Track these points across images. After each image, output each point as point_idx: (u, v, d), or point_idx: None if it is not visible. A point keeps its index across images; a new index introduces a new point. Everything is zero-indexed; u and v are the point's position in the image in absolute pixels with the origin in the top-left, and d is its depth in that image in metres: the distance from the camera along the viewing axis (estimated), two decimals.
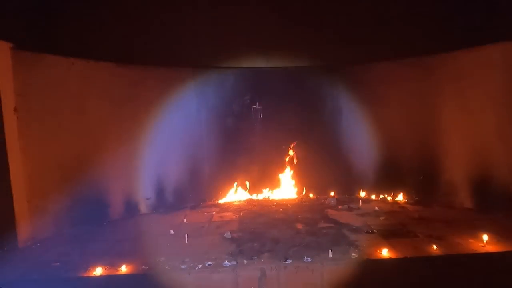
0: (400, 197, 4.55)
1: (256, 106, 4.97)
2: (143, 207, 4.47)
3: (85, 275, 2.66)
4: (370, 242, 3.07)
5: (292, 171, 5.07)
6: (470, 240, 2.98)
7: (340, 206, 4.28)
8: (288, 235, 3.31)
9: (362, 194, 4.79)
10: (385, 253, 2.80)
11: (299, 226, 3.58)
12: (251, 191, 5.06)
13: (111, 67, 4.10)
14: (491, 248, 2.82)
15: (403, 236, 3.20)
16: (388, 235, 3.21)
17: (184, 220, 4.00)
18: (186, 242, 3.26)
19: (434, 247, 2.85)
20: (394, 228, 3.43)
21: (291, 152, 5.02)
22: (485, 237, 2.91)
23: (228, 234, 3.33)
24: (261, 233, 3.39)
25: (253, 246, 3.05)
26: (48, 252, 3.21)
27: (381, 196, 4.67)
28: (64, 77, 3.73)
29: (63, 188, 3.71)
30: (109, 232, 3.70)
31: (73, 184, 3.79)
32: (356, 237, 3.20)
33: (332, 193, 4.88)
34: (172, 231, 3.58)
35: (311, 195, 4.96)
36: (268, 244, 3.08)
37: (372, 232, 3.32)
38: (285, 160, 5.08)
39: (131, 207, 4.35)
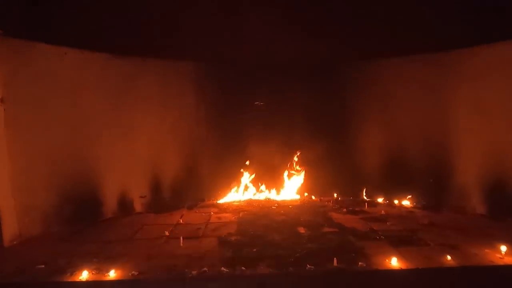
0: (407, 201, 4.33)
1: (259, 103, 4.76)
2: (138, 206, 4.28)
3: (70, 279, 2.47)
4: (377, 250, 2.85)
5: (294, 171, 4.86)
6: (486, 251, 2.76)
7: (344, 209, 4.07)
8: (290, 240, 3.10)
9: (368, 196, 4.57)
10: (394, 262, 2.59)
11: (302, 230, 3.38)
12: (251, 191, 4.86)
13: (107, 58, 3.90)
14: (511, 260, 2.60)
15: (412, 244, 2.98)
16: (397, 243, 2.99)
17: (180, 221, 3.80)
18: (181, 245, 3.06)
19: (448, 257, 2.63)
20: (402, 234, 3.21)
21: (295, 158, 4.81)
22: (503, 248, 2.69)
23: (225, 238, 3.13)
24: (261, 237, 3.18)
25: (252, 252, 2.84)
26: (34, 252, 3.02)
27: (387, 198, 4.46)
28: (56, 67, 3.53)
29: (53, 184, 3.53)
30: (101, 232, 3.51)
31: (64, 180, 3.61)
32: (362, 244, 2.99)
33: (335, 195, 4.67)
34: (167, 233, 3.38)
35: (313, 197, 4.76)
36: (268, 250, 2.87)
37: (380, 239, 3.11)
38: (288, 160, 4.87)
39: (125, 206, 4.16)
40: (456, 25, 3.72)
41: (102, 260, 2.77)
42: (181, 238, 3.11)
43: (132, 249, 3.02)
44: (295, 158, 4.83)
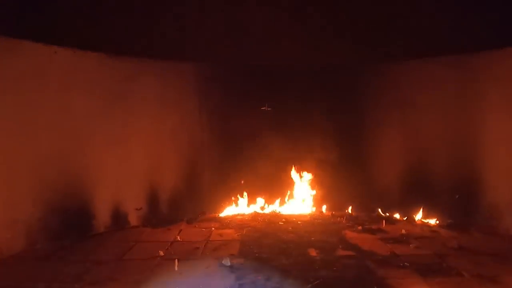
0: (430, 219, 3.90)
1: (266, 108, 4.40)
2: (134, 219, 3.93)
3: None
4: (402, 280, 2.45)
5: (304, 183, 4.48)
6: None
7: (359, 227, 3.67)
8: (300, 265, 2.72)
9: (384, 211, 4.16)
10: None
11: (313, 252, 2.98)
12: (257, 203, 4.49)
13: (101, 58, 3.59)
14: None
15: (443, 274, 2.57)
16: (424, 271, 2.58)
17: (178, 238, 3.44)
18: (176, 269, 2.69)
19: None
20: (430, 261, 2.80)
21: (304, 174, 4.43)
22: None
23: (226, 261, 2.75)
24: (266, 261, 2.80)
25: (257, 280, 2.47)
26: (12, 273, 2.70)
27: (407, 215, 4.03)
28: (44, 67, 3.23)
29: (38, 196, 3.21)
30: (89, 250, 3.16)
31: (51, 192, 3.29)
32: (384, 272, 2.59)
33: (349, 209, 4.26)
34: (161, 252, 3.02)
35: (324, 211, 4.36)
36: (275, 277, 2.49)
37: (404, 266, 2.70)
38: (297, 170, 4.49)
39: (119, 219, 3.82)
40: (485, 24, 3.34)
41: (85, 287, 2.43)
42: (176, 261, 2.74)
43: (121, 273, 2.67)
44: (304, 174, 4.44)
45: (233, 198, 4.41)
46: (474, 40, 3.43)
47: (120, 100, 3.73)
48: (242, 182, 4.44)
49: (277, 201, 4.49)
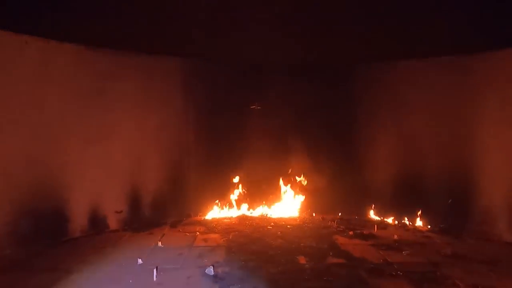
0: (422, 223, 3.80)
1: (255, 107, 4.23)
2: (113, 222, 3.70)
3: None
4: None
5: (294, 185, 4.32)
6: None
7: (351, 232, 3.53)
8: (288, 274, 2.56)
9: (376, 215, 4.04)
10: None
11: (302, 260, 2.83)
12: (244, 206, 4.31)
13: (79, 51, 3.35)
14: None
15: (437, 283, 2.46)
16: (418, 281, 2.46)
17: (159, 243, 3.23)
18: (155, 279, 2.49)
19: None
20: (423, 269, 2.67)
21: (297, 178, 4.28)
22: None
23: (210, 270, 2.57)
24: (253, 270, 2.63)
25: None
26: None
27: (399, 220, 3.92)
28: (13, 59, 2.97)
29: (7, 198, 2.96)
30: (62, 257, 2.93)
31: (21, 193, 3.04)
32: (376, 282, 2.45)
33: (340, 214, 4.13)
34: (140, 260, 2.81)
35: (314, 214, 4.21)
36: None
37: (397, 275, 2.57)
38: (286, 172, 4.34)
39: (97, 222, 3.58)
40: (480, 26, 3.24)
41: None
42: (155, 271, 2.54)
43: (94, 284, 2.46)
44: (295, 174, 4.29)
45: (217, 201, 4.22)
46: (469, 42, 3.33)
47: (99, 95, 3.49)
48: (230, 183, 4.28)
49: (266, 204, 4.33)
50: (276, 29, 3.60)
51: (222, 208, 4.23)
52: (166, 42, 3.63)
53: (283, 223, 3.87)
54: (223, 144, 4.19)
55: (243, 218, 4.05)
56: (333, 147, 4.13)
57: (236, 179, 4.30)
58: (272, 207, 4.32)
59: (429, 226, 3.73)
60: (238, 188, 4.31)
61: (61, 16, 3.07)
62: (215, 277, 2.52)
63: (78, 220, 3.46)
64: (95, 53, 3.43)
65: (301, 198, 4.31)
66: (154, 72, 3.82)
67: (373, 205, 4.09)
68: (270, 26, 3.59)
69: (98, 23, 3.21)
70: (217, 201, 4.23)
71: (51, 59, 3.19)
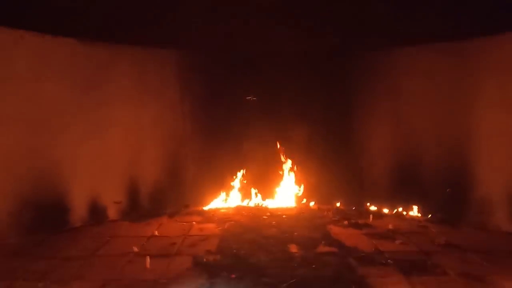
0: (419, 213, 3.76)
1: (251, 97, 4.22)
2: (113, 212, 3.79)
3: None
4: (383, 279, 2.33)
5: (291, 175, 4.33)
6: None
7: (345, 222, 3.53)
8: (278, 262, 2.59)
9: (373, 206, 4.02)
10: None
11: (294, 249, 2.85)
12: (242, 196, 4.35)
13: (73, 45, 3.39)
14: None
15: (427, 272, 2.44)
16: (408, 269, 2.45)
17: (156, 232, 3.31)
18: (147, 266, 2.57)
19: None
20: (414, 258, 2.67)
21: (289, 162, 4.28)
22: None
23: (201, 258, 2.62)
24: (244, 258, 2.67)
25: (230, 279, 2.34)
26: None
27: (396, 209, 3.90)
28: (9, 53, 3.04)
29: (9, 189, 3.07)
30: (61, 245, 3.03)
31: (23, 185, 3.14)
32: (365, 270, 2.46)
33: (338, 204, 4.13)
34: (135, 248, 2.89)
35: (311, 204, 4.22)
36: (249, 275, 2.37)
37: (387, 264, 2.57)
38: (283, 163, 4.35)
39: (96, 212, 3.67)
40: (479, 9, 3.12)
41: (48, 285, 2.31)
42: (148, 258, 2.61)
43: (89, 270, 2.55)
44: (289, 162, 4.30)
45: (215, 192, 4.27)
46: (468, 26, 3.23)
47: (96, 88, 3.55)
48: (228, 173, 4.31)
49: (264, 194, 4.35)
50: (271, 18, 3.57)
51: (220, 198, 4.27)
52: (161, 33, 3.64)
53: (280, 213, 3.89)
54: (220, 134, 4.21)
55: (240, 208, 4.09)
56: (330, 137, 4.10)
57: (234, 170, 4.33)
58: (270, 197, 4.34)
59: (426, 216, 3.70)
60: (236, 178, 4.35)
61: (55, 12, 3.11)
62: (206, 264, 2.57)
63: (78, 210, 3.56)
64: (90, 46, 3.48)
65: (298, 188, 4.32)
66: (149, 64, 3.85)
67: (371, 195, 4.07)
68: (266, 15, 3.56)
69: (92, 18, 3.24)
70: (215, 192, 4.28)
71: (46, 53, 3.25)
